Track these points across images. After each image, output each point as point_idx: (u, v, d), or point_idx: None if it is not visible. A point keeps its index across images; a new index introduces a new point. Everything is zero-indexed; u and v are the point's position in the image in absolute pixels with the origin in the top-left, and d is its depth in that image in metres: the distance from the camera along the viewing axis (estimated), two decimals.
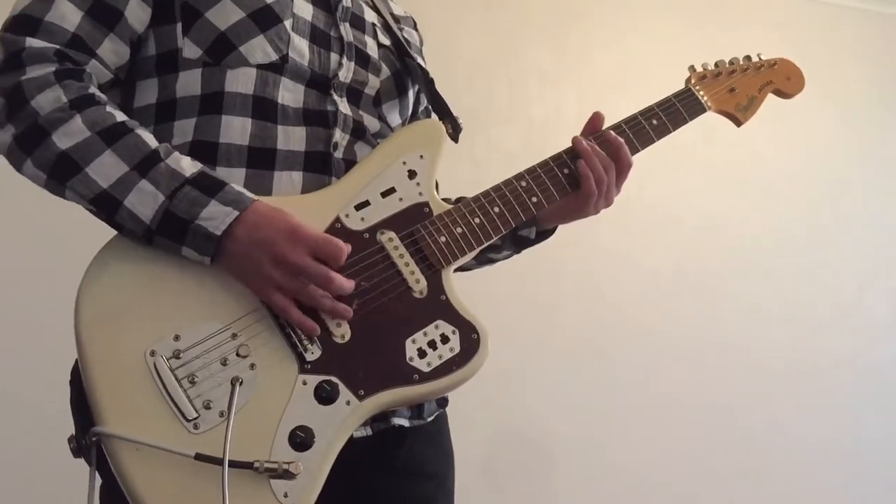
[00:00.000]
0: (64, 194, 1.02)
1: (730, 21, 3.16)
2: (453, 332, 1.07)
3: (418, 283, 1.08)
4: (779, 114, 3.26)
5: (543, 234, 1.31)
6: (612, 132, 1.24)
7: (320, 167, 1.12)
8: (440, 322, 1.07)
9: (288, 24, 1.11)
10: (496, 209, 1.15)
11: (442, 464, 1.23)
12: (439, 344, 1.06)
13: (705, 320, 3.13)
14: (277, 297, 1.00)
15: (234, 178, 1.07)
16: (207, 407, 0.96)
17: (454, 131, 1.22)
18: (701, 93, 1.32)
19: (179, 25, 1.09)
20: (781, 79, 1.38)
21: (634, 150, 1.26)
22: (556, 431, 2.88)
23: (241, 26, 1.08)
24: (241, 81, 1.09)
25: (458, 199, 1.21)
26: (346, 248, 1.02)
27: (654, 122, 1.27)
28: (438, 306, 1.08)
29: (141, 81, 1.11)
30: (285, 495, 0.95)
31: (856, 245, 3.43)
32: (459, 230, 1.12)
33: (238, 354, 0.99)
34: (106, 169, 0.99)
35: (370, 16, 1.24)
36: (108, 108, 1.02)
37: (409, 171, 1.13)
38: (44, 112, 0.99)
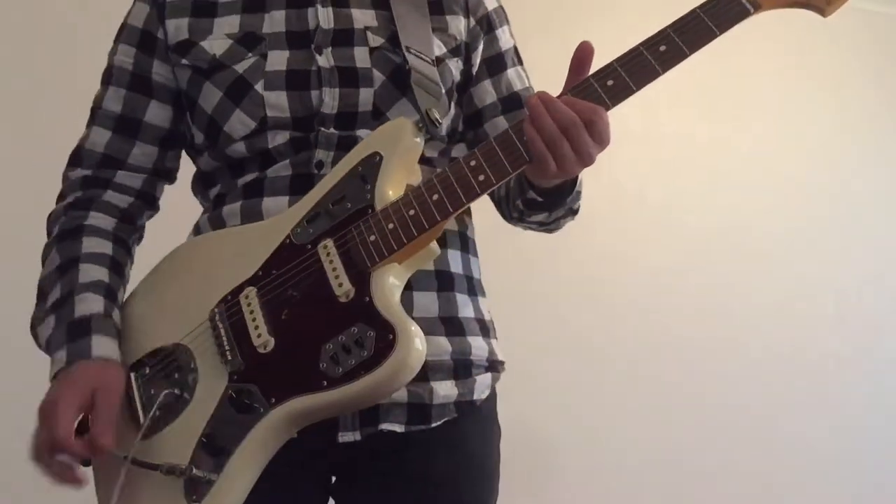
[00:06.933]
0: None
1: None
2: (370, 335, 0.99)
3: (341, 287, 1.03)
4: (779, 113, 3.38)
5: (553, 192, 1.13)
6: (592, 81, 1.02)
7: (307, 188, 1.15)
8: (359, 325, 1.00)
9: (259, 86, 1.14)
10: (435, 196, 1.04)
11: (454, 469, 1.13)
12: (353, 348, 0.99)
13: (705, 320, 3.15)
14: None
15: (233, 212, 1.18)
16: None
17: (430, 122, 1.11)
18: None
19: (188, 114, 1.23)
20: None
21: (629, 93, 1.01)
22: (557, 432, 2.90)
23: (221, 106, 1.15)
24: (238, 152, 1.17)
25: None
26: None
27: (663, 48, 1.01)
28: (360, 309, 1.01)
29: (197, 159, 1.28)
30: (194, 500, 1.00)
31: (856, 245, 3.46)
32: (391, 226, 1.04)
33: (186, 367, 1.08)
34: (39, 302, 1.16)
35: (362, 19, 1.19)
36: (73, 241, 1.17)
37: (362, 175, 1.10)
38: (46, 243, 1.21)
